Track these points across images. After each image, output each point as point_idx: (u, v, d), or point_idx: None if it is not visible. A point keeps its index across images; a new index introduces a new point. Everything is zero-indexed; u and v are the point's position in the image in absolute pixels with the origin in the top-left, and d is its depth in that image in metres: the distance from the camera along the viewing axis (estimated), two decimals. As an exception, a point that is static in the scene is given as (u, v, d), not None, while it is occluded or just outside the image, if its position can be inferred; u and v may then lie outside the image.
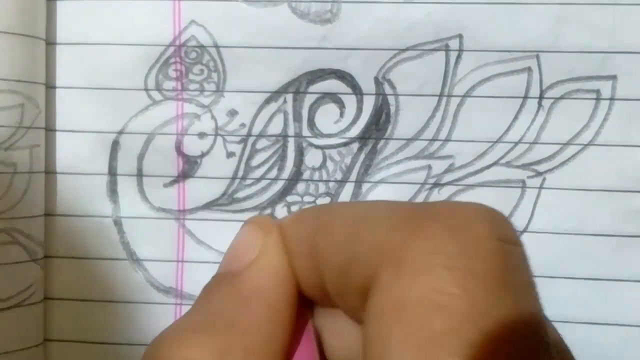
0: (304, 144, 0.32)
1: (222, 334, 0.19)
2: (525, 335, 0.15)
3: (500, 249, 0.16)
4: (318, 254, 0.19)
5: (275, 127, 0.32)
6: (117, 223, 0.33)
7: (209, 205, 0.32)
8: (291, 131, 0.32)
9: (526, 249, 0.18)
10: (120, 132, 0.32)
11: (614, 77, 0.31)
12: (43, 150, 0.32)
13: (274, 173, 0.32)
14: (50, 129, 0.32)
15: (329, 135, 0.32)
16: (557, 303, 0.31)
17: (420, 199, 0.32)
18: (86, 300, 0.33)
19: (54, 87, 0.32)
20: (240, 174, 0.32)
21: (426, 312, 0.15)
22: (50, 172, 0.33)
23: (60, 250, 0.33)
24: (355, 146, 0.32)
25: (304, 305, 0.22)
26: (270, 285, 0.21)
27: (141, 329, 0.32)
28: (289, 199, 0.32)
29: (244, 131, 0.32)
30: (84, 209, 0.33)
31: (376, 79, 0.32)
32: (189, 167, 0.32)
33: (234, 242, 0.22)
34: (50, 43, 0.32)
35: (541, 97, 0.31)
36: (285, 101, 0.32)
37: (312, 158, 0.32)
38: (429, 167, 0.32)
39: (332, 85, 0.32)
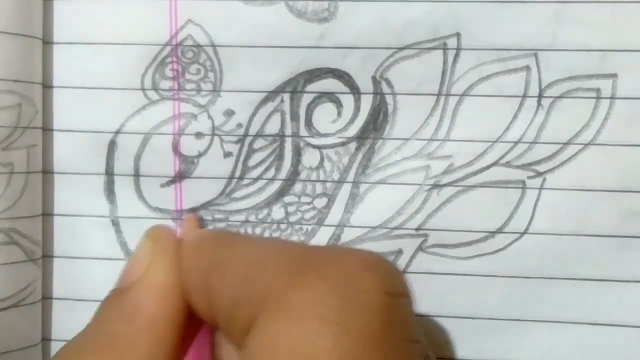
0: (301, 144, 0.32)
1: (104, 352, 0.19)
2: None
3: (384, 303, 0.16)
4: (211, 293, 0.19)
5: (272, 127, 0.32)
6: (115, 223, 0.33)
7: (206, 206, 0.32)
8: (288, 131, 0.32)
9: (413, 301, 0.17)
10: (117, 132, 0.32)
11: (614, 76, 0.30)
12: (40, 150, 0.32)
13: (271, 173, 0.32)
14: (47, 129, 0.32)
15: (327, 135, 0.32)
16: (557, 304, 0.31)
17: (419, 200, 0.31)
18: (84, 300, 0.33)
19: (51, 87, 0.32)
20: (237, 174, 0.32)
21: None
22: (47, 172, 0.33)
23: (58, 250, 0.33)
24: (352, 146, 0.32)
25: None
26: (152, 302, 0.21)
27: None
28: (286, 199, 0.32)
29: (241, 131, 0.32)
30: (81, 209, 0.33)
31: (374, 78, 0.31)
32: (185, 167, 0.32)
33: (130, 256, 0.22)
34: (47, 42, 0.32)
35: (540, 96, 0.31)
36: (282, 101, 0.32)
37: (310, 158, 0.32)
38: (428, 167, 0.31)
39: (329, 84, 0.31)
